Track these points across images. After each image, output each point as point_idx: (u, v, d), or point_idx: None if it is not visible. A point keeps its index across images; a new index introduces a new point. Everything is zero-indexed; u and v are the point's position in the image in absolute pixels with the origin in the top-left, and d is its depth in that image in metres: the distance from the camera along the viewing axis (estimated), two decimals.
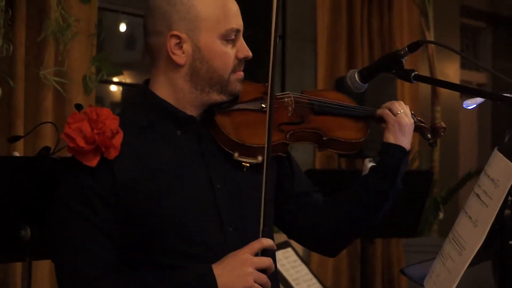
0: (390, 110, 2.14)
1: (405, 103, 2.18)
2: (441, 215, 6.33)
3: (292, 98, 2.13)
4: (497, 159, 1.76)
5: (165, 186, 1.87)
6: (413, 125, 2.16)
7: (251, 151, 1.95)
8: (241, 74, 2.00)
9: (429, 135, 2.27)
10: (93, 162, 1.82)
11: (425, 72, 6.13)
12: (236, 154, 1.95)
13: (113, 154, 1.83)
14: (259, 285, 1.80)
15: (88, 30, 4.26)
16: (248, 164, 1.96)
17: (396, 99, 3.87)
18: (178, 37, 1.91)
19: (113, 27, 5.45)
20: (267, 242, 1.84)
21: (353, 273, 5.82)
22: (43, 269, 3.92)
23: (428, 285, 1.88)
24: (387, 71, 2.06)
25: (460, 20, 7.38)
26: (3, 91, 3.71)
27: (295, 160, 2.19)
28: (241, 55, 1.98)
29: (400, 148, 2.11)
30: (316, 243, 2.19)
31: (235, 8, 1.97)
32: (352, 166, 5.66)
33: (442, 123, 2.30)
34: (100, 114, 1.83)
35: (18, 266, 3.64)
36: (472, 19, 7.79)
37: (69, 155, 1.89)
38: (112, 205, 1.84)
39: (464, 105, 2.07)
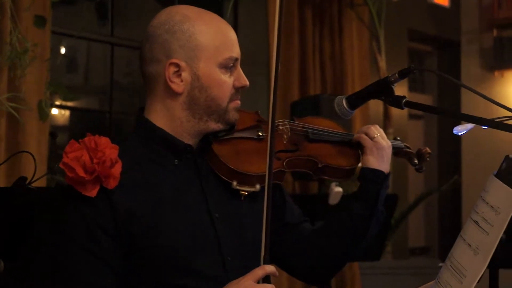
0: (366, 134, 2.14)
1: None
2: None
3: (288, 126, 2.12)
4: (496, 185, 1.75)
5: (163, 217, 1.83)
6: (390, 148, 2.16)
7: (249, 180, 1.93)
8: (238, 103, 1.98)
9: (416, 161, 2.28)
10: (93, 192, 1.77)
11: None
12: (234, 183, 1.92)
13: (112, 183, 1.78)
14: None
15: (43, 55, 4.17)
16: (246, 193, 1.93)
17: (351, 122, 3.88)
18: (177, 65, 1.89)
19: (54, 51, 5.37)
20: (269, 268, 1.81)
21: None
22: None
23: None
24: (377, 98, 2.04)
25: (407, 44, 7.49)
26: None
27: (286, 190, 2.16)
28: (238, 84, 1.96)
29: (379, 172, 2.11)
30: (305, 273, 2.17)
31: (233, 37, 1.96)
32: (307, 190, 5.66)
33: (428, 149, 2.31)
34: (98, 143, 1.78)
35: None
36: (419, 43, 7.92)
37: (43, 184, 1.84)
38: (113, 236, 1.79)
39: (454, 131, 2.07)
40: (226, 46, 1.92)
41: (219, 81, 1.91)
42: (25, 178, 2.25)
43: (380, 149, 2.11)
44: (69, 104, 5.29)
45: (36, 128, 4.12)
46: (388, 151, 2.14)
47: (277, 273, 1.86)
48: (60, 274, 1.80)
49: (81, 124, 5.76)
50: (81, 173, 1.74)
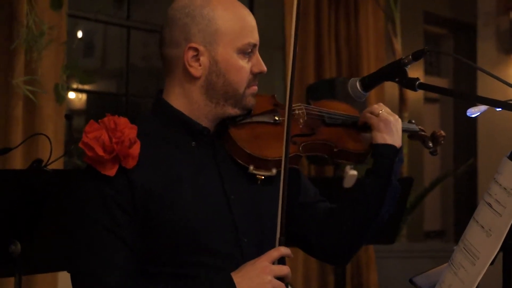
0: (371, 113, 2.15)
1: None
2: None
3: (304, 110, 2.12)
4: (509, 167, 1.76)
5: (180, 196, 1.85)
6: (398, 121, 2.15)
7: (265, 164, 1.94)
8: (255, 88, 1.99)
9: (430, 144, 2.28)
10: (112, 171, 1.78)
11: None
12: (251, 167, 1.93)
13: (131, 163, 1.80)
14: None
15: (59, 38, 4.19)
16: (262, 177, 1.94)
17: (366, 105, 3.88)
18: (196, 49, 1.90)
19: (71, 34, 5.39)
20: (285, 250, 1.83)
21: (324, 278, 5.82)
22: (43, 284, 3.86)
23: None
24: (390, 80, 2.04)
25: (423, 27, 7.45)
26: None
27: (301, 170, 2.17)
28: (256, 70, 1.96)
29: (389, 146, 2.11)
30: (323, 253, 2.18)
31: (253, 22, 1.97)
32: (322, 173, 5.66)
33: (442, 132, 2.31)
34: (118, 123, 1.80)
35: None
36: (435, 26, 7.87)
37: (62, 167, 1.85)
38: (132, 215, 1.81)
39: (468, 113, 2.06)
40: (245, 32, 1.93)
41: (236, 67, 1.92)
42: (41, 161, 2.27)
43: (387, 124, 2.11)
44: (85, 87, 5.32)
45: (52, 111, 4.14)
46: (397, 125, 2.14)
47: (292, 255, 1.88)
48: (79, 252, 1.82)
49: (98, 107, 5.79)
50: (100, 152, 1.76)
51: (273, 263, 1.83)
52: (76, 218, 1.85)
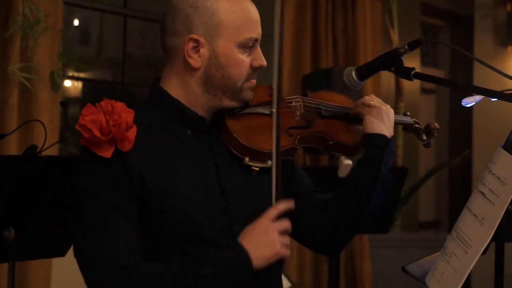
0: (362, 104, 2.16)
1: None
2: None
3: (301, 103, 2.13)
4: (503, 157, 1.76)
5: (174, 184, 1.85)
6: (390, 111, 2.15)
7: (261, 156, 1.95)
8: (253, 82, 1.99)
9: (424, 137, 2.29)
10: (108, 153, 1.79)
11: None
12: (247, 159, 1.94)
13: (127, 146, 1.81)
14: (285, 247, 1.86)
15: (55, 25, 4.17)
16: (257, 169, 1.96)
17: (362, 95, 3.88)
18: (197, 40, 1.90)
19: (67, 22, 5.38)
20: (282, 206, 1.88)
21: (318, 268, 5.83)
22: (37, 270, 3.86)
23: (431, 283, 1.88)
24: (386, 69, 2.04)
25: (420, 18, 7.45)
26: None
27: (296, 162, 2.17)
28: (256, 64, 1.97)
29: (379, 136, 2.10)
30: (316, 243, 2.18)
31: (256, 17, 1.96)
32: (317, 163, 5.66)
33: (436, 124, 2.31)
34: (115, 106, 1.81)
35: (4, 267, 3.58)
36: (432, 17, 7.87)
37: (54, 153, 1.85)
38: (130, 196, 1.81)
39: (463, 103, 2.07)
40: (247, 26, 1.93)
41: (236, 60, 1.92)
42: (35, 147, 2.27)
43: (379, 113, 2.12)
44: (81, 75, 5.31)
45: (48, 98, 4.12)
46: (389, 114, 2.14)
47: (293, 205, 1.92)
48: (85, 234, 1.82)
49: (93, 95, 5.79)
50: (97, 133, 1.77)
51: None
52: (78, 201, 1.84)
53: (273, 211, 1.87)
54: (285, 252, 1.87)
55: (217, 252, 1.83)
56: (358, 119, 2.17)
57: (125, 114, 1.81)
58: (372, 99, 2.15)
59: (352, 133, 2.17)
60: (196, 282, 1.78)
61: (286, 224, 1.88)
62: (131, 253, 1.79)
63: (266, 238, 1.84)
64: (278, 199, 1.87)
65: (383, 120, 2.11)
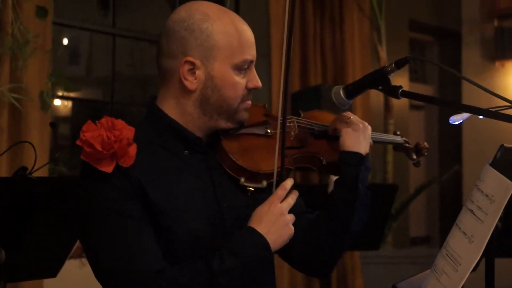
0: (340, 121, 2.15)
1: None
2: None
3: (295, 123, 2.13)
4: (491, 174, 1.77)
5: (173, 203, 1.86)
6: (367, 128, 2.14)
7: (257, 177, 1.95)
8: (249, 103, 2.00)
9: (414, 156, 2.29)
10: (109, 168, 1.78)
11: None
12: (242, 179, 1.95)
13: (128, 162, 1.81)
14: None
15: (44, 46, 4.19)
16: (253, 189, 1.96)
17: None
18: (192, 63, 1.91)
19: (56, 41, 5.39)
20: (288, 184, 1.91)
21: (311, 285, 5.83)
22: None
23: None
24: (374, 88, 2.05)
25: (408, 34, 7.49)
26: None
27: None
28: (251, 85, 1.97)
29: (354, 154, 2.09)
30: (304, 266, 2.16)
31: (251, 39, 1.97)
32: (308, 180, 5.68)
33: (425, 144, 2.32)
34: (115, 123, 1.81)
35: None
36: (420, 33, 7.92)
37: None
38: (141, 203, 1.82)
39: (450, 121, 2.08)
40: (243, 49, 1.93)
41: (232, 82, 1.93)
42: (25, 168, 2.27)
43: (356, 130, 2.10)
44: (71, 94, 5.32)
45: (38, 118, 4.13)
46: (365, 132, 2.13)
47: (293, 180, 1.94)
48: (102, 245, 1.81)
49: (83, 114, 5.78)
50: (99, 148, 1.76)
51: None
52: (96, 215, 1.82)
53: (281, 192, 1.89)
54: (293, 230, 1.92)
55: (238, 245, 1.84)
56: (330, 136, 2.18)
57: (126, 130, 1.81)
58: (350, 116, 2.14)
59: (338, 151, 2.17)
60: (224, 277, 1.80)
61: (292, 201, 1.91)
62: (159, 257, 1.80)
63: (281, 221, 1.88)
64: (282, 177, 1.89)
65: (359, 138, 2.10)
